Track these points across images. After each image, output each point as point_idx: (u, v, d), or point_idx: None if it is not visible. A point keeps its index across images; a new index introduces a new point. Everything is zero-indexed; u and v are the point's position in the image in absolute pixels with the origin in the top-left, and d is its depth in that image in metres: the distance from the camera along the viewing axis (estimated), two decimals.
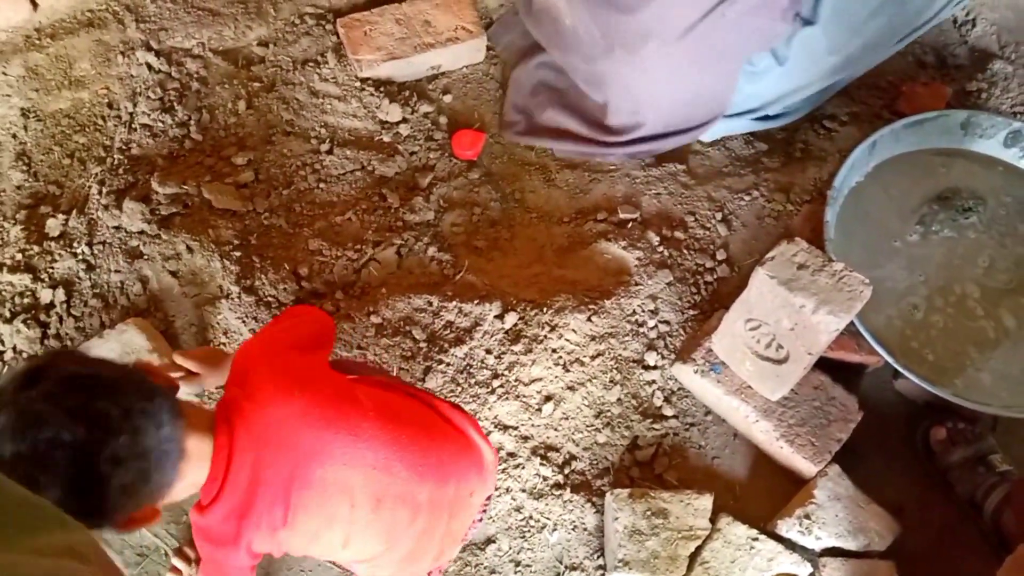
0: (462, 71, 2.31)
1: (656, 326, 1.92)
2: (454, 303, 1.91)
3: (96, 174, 2.07)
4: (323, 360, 1.36)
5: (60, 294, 1.91)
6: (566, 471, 1.77)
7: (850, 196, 2.02)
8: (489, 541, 1.71)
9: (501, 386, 1.82)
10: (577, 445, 1.80)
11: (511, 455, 1.77)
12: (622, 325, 1.90)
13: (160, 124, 2.14)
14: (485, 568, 1.69)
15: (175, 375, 1.42)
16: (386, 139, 2.17)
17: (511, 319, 1.89)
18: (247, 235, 1.99)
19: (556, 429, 1.80)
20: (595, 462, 1.79)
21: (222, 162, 2.10)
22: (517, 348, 1.86)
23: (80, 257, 1.96)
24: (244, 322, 1.88)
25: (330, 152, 2.13)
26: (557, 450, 1.79)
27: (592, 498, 1.75)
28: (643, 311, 1.92)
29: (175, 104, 2.17)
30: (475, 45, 2.27)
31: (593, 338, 1.87)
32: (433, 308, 1.91)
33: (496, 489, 1.73)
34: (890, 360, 1.72)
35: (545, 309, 1.90)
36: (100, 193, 2.03)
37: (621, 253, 2.00)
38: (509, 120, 2.19)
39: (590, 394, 1.83)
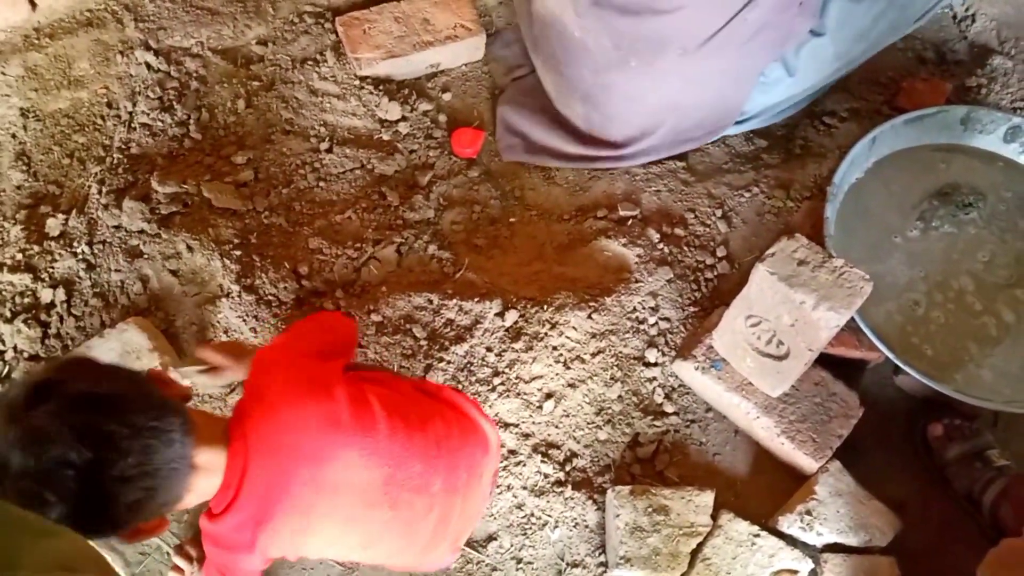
0: (461, 69, 2.31)
1: (657, 323, 1.92)
2: (454, 301, 1.91)
3: (96, 173, 2.07)
4: (339, 367, 1.35)
5: (60, 294, 1.91)
6: (567, 468, 1.77)
7: (850, 192, 2.02)
8: (490, 538, 1.71)
9: (502, 384, 1.82)
10: (578, 442, 1.80)
11: (512, 452, 1.77)
12: (623, 322, 1.90)
13: (159, 123, 2.14)
14: (487, 565, 1.69)
15: (199, 369, 1.42)
16: (385, 137, 2.17)
17: (511, 317, 1.89)
18: (247, 234, 1.99)
19: (557, 426, 1.80)
20: (596, 459, 1.79)
21: (222, 161, 2.10)
22: (518, 346, 1.86)
23: (80, 256, 1.96)
24: (244, 321, 1.88)
25: (329, 151, 2.13)
26: (558, 447, 1.79)
27: (593, 495, 1.75)
28: (643, 308, 1.92)
29: (174, 103, 2.17)
30: (474, 43, 2.27)
31: (594, 335, 1.87)
32: (433, 306, 1.91)
33: (497, 487, 1.73)
34: (891, 356, 1.72)
35: (545, 307, 1.90)
36: (100, 192, 2.03)
37: (621, 250, 2.00)
38: (507, 144, 2.16)
39: (591, 391, 1.83)
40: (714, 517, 1.68)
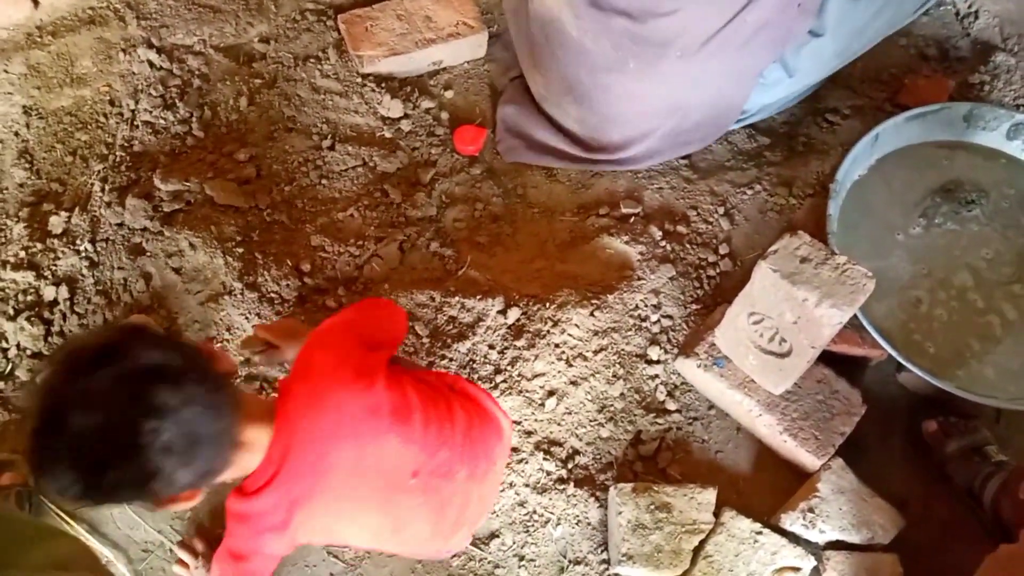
0: (463, 66, 2.31)
1: (659, 320, 1.92)
2: (457, 298, 1.91)
3: (98, 171, 2.07)
4: (384, 359, 1.38)
5: (63, 291, 1.91)
6: (569, 466, 1.77)
7: (853, 189, 2.02)
8: (493, 536, 1.72)
9: (504, 381, 1.82)
10: (580, 440, 1.80)
11: (514, 450, 1.77)
12: (625, 320, 1.90)
13: (162, 121, 2.14)
14: (489, 563, 1.69)
15: (257, 349, 1.46)
16: (388, 135, 2.17)
17: (514, 314, 1.89)
18: (249, 231, 2.00)
19: (559, 424, 1.80)
20: (598, 457, 1.79)
21: (224, 159, 2.10)
22: (520, 343, 1.86)
23: (83, 254, 1.96)
24: (247, 318, 1.88)
25: (332, 148, 2.13)
26: (560, 445, 1.79)
27: (596, 492, 1.75)
28: (646, 306, 1.92)
29: (177, 101, 2.17)
30: (476, 40, 2.27)
31: (596, 333, 1.87)
32: (436, 303, 1.91)
33: (500, 484, 1.74)
34: (893, 353, 1.72)
35: (548, 304, 1.90)
36: (103, 190, 2.04)
37: (623, 248, 2.00)
38: (507, 145, 2.16)
39: (593, 389, 1.83)
40: (716, 514, 1.68)
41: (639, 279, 1.95)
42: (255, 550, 1.27)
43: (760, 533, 1.66)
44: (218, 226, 1.98)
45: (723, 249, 2.03)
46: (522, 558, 1.70)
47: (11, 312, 1.89)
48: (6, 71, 2.21)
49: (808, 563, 1.64)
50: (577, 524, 1.73)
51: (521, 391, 1.82)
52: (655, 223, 2.04)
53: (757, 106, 2.05)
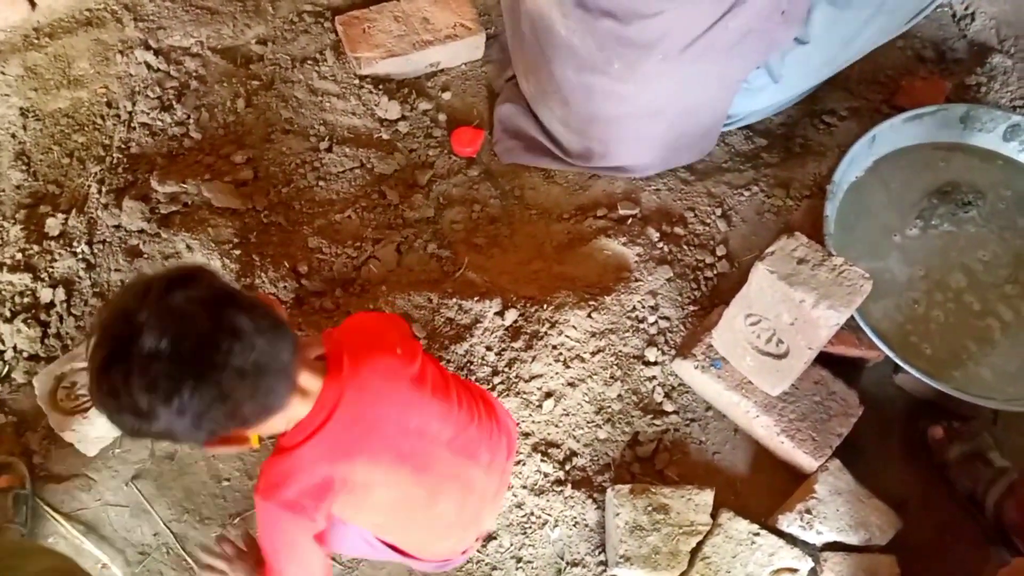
0: (461, 68, 2.31)
1: (656, 322, 1.92)
2: (454, 300, 1.91)
3: (95, 173, 2.07)
4: (419, 345, 1.44)
5: (60, 293, 1.91)
6: (567, 467, 1.77)
7: (850, 191, 2.02)
8: (490, 538, 1.71)
9: (502, 383, 1.82)
10: (578, 441, 1.80)
11: None
12: (622, 321, 1.90)
13: (159, 123, 2.14)
14: (487, 565, 1.69)
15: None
16: (385, 136, 2.17)
17: (511, 316, 1.89)
18: (246, 233, 1.99)
19: (557, 425, 1.80)
20: (596, 458, 1.79)
21: (221, 160, 2.10)
22: (517, 345, 1.86)
23: (80, 256, 1.96)
24: None
25: (329, 150, 2.13)
26: (558, 446, 1.79)
27: (593, 494, 1.75)
28: (643, 307, 1.92)
29: (174, 103, 2.17)
30: (474, 42, 2.27)
31: (593, 334, 1.88)
32: (433, 305, 1.91)
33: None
34: (890, 354, 1.72)
35: (545, 306, 1.90)
36: (99, 192, 2.04)
37: (621, 249, 2.00)
38: (504, 146, 2.16)
39: (591, 390, 1.83)
40: (714, 516, 1.68)
41: (636, 280, 1.95)
42: (298, 530, 1.25)
43: (758, 534, 1.66)
44: (215, 228, 1.98)
45: (720, 250, 2.03)
46: (520, 560, 1.70)
47: (8, 314, 1.88)
48: (3, 73, 2.20)
49: (805, 564, 1.64)
50: (575, 526, 1.73)
51: (519, 393, 1.82)
52: (652, 225, 2.05)
53: (744, 111, 2.06)
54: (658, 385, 1.86)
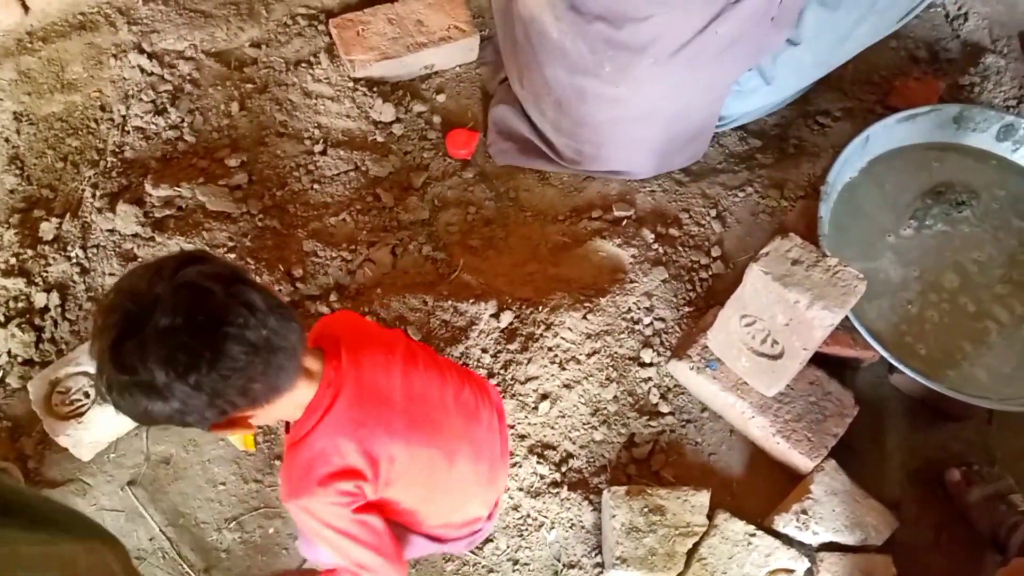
0: (455, 70, 2.31)
1: (652, 323, 1.92)
2: (449, 302, 1.91)
3: (89, 177, 2.06)
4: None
5: (54, 298, 1.90)
6: (563, 469, 1.77)
7: (844, 191, 2.02)
8: (487, 540, 1.71)
9: (497, 385, 1.82)
10: (574, 443, 1.80)
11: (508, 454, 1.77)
12: (618, 323, 1.90)
13: (153, 126, 2.14)
14: (483, 567, 1.69)
15: None
16: (380, 139, 2.17)
17: (507, 318, 1.89)
18: (241, 237, 1.99)
19: (553, 427, 1.80)
20: (592, 460, 1.79)
21: (215, 164, 2.09)
22: (513, 347, 1.86)
23: (74, 260, 1.95)
24: None
25: (324, 153, 2.13)
26: (554, 448, 1.79)
27: (589, 496, 1.75)
28: (638, 308, 1.92)
29: (168, 106, 2.17)
30: (468, 44, 2.27)
31: (589, 336, 1.88)
32: (428, 307, 1.91)
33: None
34: (885, 354, 1.73)
35: (541, 307, 1.90)
36: (93, 196, 2.03)
37: (616, 251, 2.00)
38: (499, 148, 2.16)
39: (586, 392, 1.83)
40: (710, 517, 1.68)
41: (632, 282, 1.95)
42: (343, 508, 1.24)
43: (754, 535, 1.66)
44: (209, 232, 1.97)
45: (715, 251, 2.03)
46: (516, 562, 1.70)
47: (2, 319, 1.88)
48: None
49: (802, 565, 1.64)
50: (571, 528, 1.73)
51: (514, 395, 1.81)
52: (647, 226, 2.05)
53: (737, 113, 2.06)
54: (654, 386, 1.86)
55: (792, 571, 1.64)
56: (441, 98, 2.26)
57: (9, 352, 1.85)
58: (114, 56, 2.23)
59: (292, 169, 2.11)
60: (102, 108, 2.17)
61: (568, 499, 1.74)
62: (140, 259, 1.95)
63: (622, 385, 1.85)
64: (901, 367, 1.71)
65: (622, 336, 1.89)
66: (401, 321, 1.88)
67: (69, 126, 2.15)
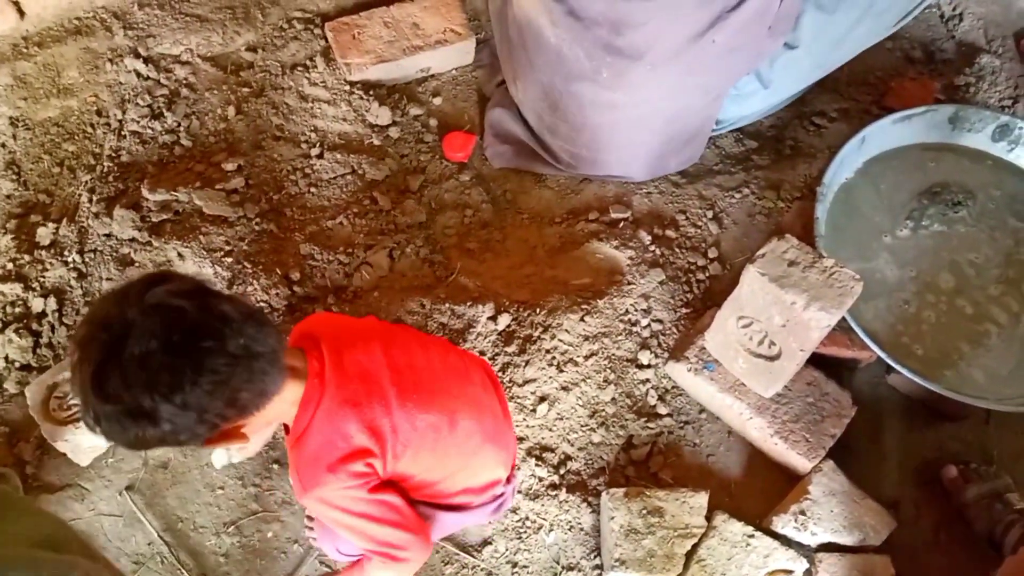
0: (451, 73, 2.31)
1: (649, 325, 1.92)
2: (447, 305, 1.91)
3: (86, 182, 2.06)
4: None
5: (52, 303, 1.90)
6: (561, 471, 1.77)
7: (840, 192, 2.02)
8: (486, 543, 1.71)
9: None
10: (572, 445, 1.80)
11: None
12: (615, 324, 1.90)
13: (149, 131, 2.14)
14: (482, 570, 1.69)
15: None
16: (376, 142, 2.17)
17: (504, 320, 1.89)
18: (238, 241, 1.99)
19: (551, 430, 1.80)
20: (590, 462, 1.79)
21: (212, 168, 2.09)
22: (511, 349, 1.86)
23: (71, 265, 1.95)
24: None
25: (320, 156, 2.13)
26: (552, 451, 1.79)
27: (588, 498, 1.75)
28: (636, 310, 1.93)
29: (164, 111, 2.17)
30: (464, 47, 2.27)
31: (586, 338, 1.88)
32: (426, 310, 1.91)
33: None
34: (882, 355, 1.73)
35: (538, 310, 1.90)
36: (90, 201, 2.03)
37: (613, 253, 2.00)
38: (495, 151, 2.16)
39: (584, 394, 1.83)
40: (708, 518, 1.68)
41: (629, 284, 1.95)
42: (360, 490, 1.26)
43: (752, 536, 1.66)
44: (206, 236, 1.97)
45: (712, 253, 2.04)
46: (515, 564, 1.70)
47: None
48: None
49: (800, 565, 1.64)
50: (570, 530, 1.73)
51: (512, 397, 1.82)
52: (644, 228, 2.05)
53: (734, 116, 2.07)
54: (651, 388, 1.86)
55: (791, 572, 1.64)
56: (437, 101, 2.26)
57: (6, 357, 1.85)
58: (110, 61, 2.23)
59: (289, 173, 2.11)
60: (98, 113, 2.17)
61: (567, 501, 1.74)
62: (137, 263, 1.95)
63: (620, 387, 1.85)
64: (898, 367, 1.72)
65: (620, 338, 1.89)
66: (399, 324, 1.88)
67: (65, 131, 2.15)
